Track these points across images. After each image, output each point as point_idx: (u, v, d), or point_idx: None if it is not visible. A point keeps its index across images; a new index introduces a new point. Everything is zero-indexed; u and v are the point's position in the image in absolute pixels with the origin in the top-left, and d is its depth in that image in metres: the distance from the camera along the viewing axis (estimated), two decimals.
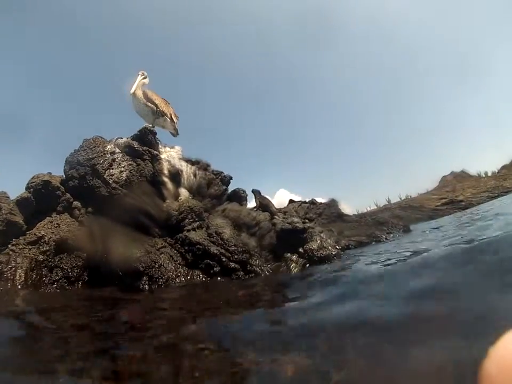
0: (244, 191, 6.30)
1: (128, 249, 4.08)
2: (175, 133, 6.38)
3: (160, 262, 4.12)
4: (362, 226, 6.86)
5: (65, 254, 4.30)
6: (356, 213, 9.36)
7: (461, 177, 12.28)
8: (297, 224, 5.16)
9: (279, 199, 10.08)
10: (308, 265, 5.01)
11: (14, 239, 4.01)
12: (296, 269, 4.93)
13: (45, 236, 4.19)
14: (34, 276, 3.81)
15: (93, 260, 4.29)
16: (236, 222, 5.24)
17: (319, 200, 8.55)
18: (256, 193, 5.86)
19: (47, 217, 4.60)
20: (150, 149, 5.65)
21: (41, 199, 4.62)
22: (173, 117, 6.14)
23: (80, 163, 5.01)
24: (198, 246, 4.50)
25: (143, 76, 5.90)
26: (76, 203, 4.94)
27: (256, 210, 5.60)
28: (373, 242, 5.96)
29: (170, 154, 5.97)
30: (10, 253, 3.82)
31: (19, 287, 3.54)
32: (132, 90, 5.64)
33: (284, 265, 4.98)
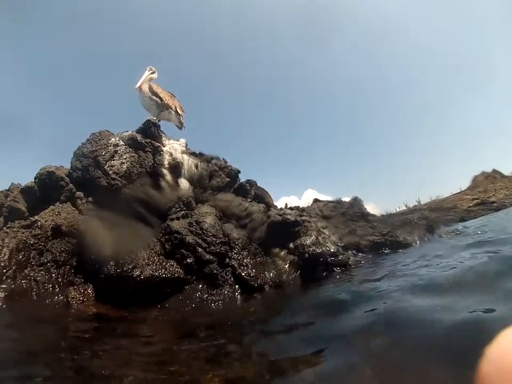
0: (252, 184, 5.96)
1: (104, 235, 4.13)
2: (180, 126, 6.40)
3: (131, 248, 4.07)
4: (387, 226, 5.92)
5: (58, 239, 4.57)
6: (385, 214, 8.21)
7: (492, 177, 10.57)
8: (288, 216, 4.66)
9: (307, 199, 9.43)
10: (300, 264, 4.48)
11: (9, 223, 4.43)
12: (286, 267, 4.44)
13: (39, 220, 4.53)
14: (21, 256, 4.12)
15: (80, 245, 4.49)
16: (225, 212, 4.97)
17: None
18: (252, 184, 5.50)
19: (50, 206, 4.98)
20: (152, 141, 5.75)
21: (45, 188, 5.04)
22: (178, 110, 6.18)
23: (84, 155, 5.33)
24: (176, 235, 4.35)
25: (151, 71, 6.07)
26: (79, 193, 5.26)
27: (251, 201, 5.24)
28: (388, 242, 5.05)
29: (173, 146, 5.99)
30: (2, 234, 4.22)
31: (2, 264, 3.86)
32: (138, 85, 5.84)
33: (271, 261, 4.53)
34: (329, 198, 8.39)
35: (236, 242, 4.39)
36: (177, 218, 4.70)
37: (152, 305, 3.77)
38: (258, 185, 5.59)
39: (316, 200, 7.97)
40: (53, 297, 3.90)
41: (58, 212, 4.94)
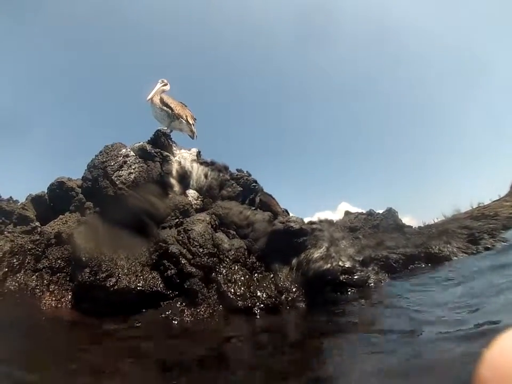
0: (257, 191, 5.37)
1: (88, 242, 3.93)
2: (192, 135, 6.20)
3: (111, 256, 3.76)
4: (423, 237, 4.74)
5: (57, 246, 4.53)
6: (422, 225, 6.78)
7: None
8: (292, 224, 3.92)
9: (342, 212, 8.56)
10: (305, 282, 3.66)
11: (10, 227, 4.54)
12: (287, 285, 3.66)
13: (39, 226, 4.56)
14: (15, 260, 4.11)
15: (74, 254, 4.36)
16: (223, 220, 4.43)
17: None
18: (257, 190, 4.89)
19: (60, 215, 5.05)
20: (161, 151, 5.63)
21: (56, 198, 5.16)
22: (189, 119, 6.02)
23: (95, 166, 5.39)
24: (161, 244, 3.95)
25: (162, 83, 6.10)
26: (88, 203, 5.27)
27: (255, 209, 4.62)
28: (422, 255, 3.92)
29: (183, 156, 5.79)
30: (1, 237, 4.30)
31: None
32: (149, 97, 5.87)
33: (271, 277, 3.79)
34: (363, 211, 7.37)
35: (226, 254, 3.79)
36: (170, 227, 4.33)
37: (122, 318, 3.33)
38: (264, 191, 4.96)
39: (347, 213, 7.03)
40: (34, 301, 3.75)
41: (65, 220, 4.97)
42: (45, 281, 4.15)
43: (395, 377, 1.71)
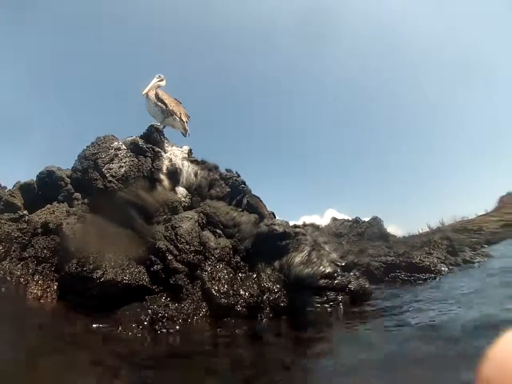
0: (245, 192, 5.51)
1: (76, 233, 3.98)
2: (185, 133, 6.29)
3: (99, 248, 3.83)
4: (407, 247, 5.00)
5: (44, 236, 4.55)
6: (407, 235, 7.15)
7: None
8: (276, 227, 4.08)
9: (329, 218, 8.84)
10: (286, 284, 3.83)
11: None
12: (269, 286, 3.82)
13: (26, 215, 4.57)
14: (1, 247, 4.13)
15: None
16: (210, 219, 4.55)
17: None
18: (244, 191, 5.04)
19: (48, 205, 5.05)
20: (153, 146, 5.68)
21: (44, 187, 5.16)
22: (182, 116, 6.09)
23: (86, 157, 5.41)
24: (148, 239, 4.05)
25: (159, 79, 6.14)
26: (77, 194, 5.29)
27: (242, 211, 4.76)
28: (403, 264, 4.18)
29: (174, 153, 5.86)
30: None
31: None
32: (145, 91, 5.90)
33: (254, 277, 3.95)
34: (349, 218, 7.63)
35: (212, 253, 3.93)
36: (157, 223, 4.43)
37: (105, 310, 3.42)
38: (252, 193, 5.12)
39: (333, 219, 7.27)
40: (18, 291, 3.79)
41: (53, 210, 4.98)
42: (30, 270, 4.18)
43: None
